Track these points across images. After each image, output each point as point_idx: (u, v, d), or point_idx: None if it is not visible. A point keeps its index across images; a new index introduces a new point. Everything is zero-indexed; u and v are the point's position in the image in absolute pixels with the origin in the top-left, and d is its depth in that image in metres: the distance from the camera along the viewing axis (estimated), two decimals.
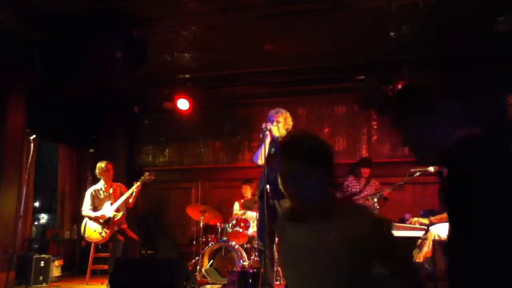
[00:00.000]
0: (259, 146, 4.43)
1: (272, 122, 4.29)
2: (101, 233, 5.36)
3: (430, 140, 1.46)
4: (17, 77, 5.44)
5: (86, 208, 5.52)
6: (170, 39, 5.34)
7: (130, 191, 5.55)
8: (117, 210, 5.45)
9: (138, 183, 5.59)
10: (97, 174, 5.68)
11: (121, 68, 4.96)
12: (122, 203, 5.51)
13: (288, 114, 4.40)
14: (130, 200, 5.59)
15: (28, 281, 5.03)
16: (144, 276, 3.88)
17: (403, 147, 1.58)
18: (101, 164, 5.66)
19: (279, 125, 4.29)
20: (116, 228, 5.46)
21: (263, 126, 4.21)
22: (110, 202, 5.50)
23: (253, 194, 6.01)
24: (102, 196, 5.59)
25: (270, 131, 4.16)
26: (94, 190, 5.64)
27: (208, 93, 6.83)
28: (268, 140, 4.14)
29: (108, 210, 5.43)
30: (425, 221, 4.34)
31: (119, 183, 5.78)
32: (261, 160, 4.17)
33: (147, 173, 5.70)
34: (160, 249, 6.74)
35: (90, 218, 5.45)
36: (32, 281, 5.08)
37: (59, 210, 7.04)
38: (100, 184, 5.66)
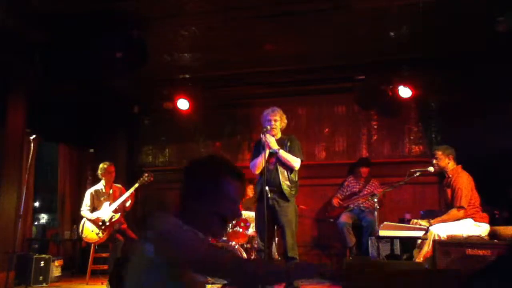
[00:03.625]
0: (255, 147, 4.40)
1: (268, 121, 4.27)
2: (98, 233, 5.36)
3: None
4: (17, 77, 5.44)
5: (85, 208, 5.52)
6: (170, 39, 5.34)
7: (129, 192, 5.54)
8: (115, 211, 5.45)
9: (136, 184, 5.58)
10: (99, 174, 5.68)
11: (121, 68, 4.97)
12: (120, 204, 5.51)
13: (282, 112, 4.38)
14: (127, 204, 5.57)
15: (28, 281, 5.02)
16: None
17: None
18: (103, 166, 5.66)
19: (276, 123, 4.28)
20: (116, 228, 5.46)
21: (266, 124, 4.21)
22: (108, 203, 5.50)
23: (254, 194, 6.01)
24: (101, 197, 5.59)
25: (268, 144, 4.13)
26: (94, 191, 5.64)
27: (208, 93, 6.82)
28: (267, 151, 4.12)
29: (106, 211, 5.43)
30: (425, 223, 4.31)
31: (119, 185, 5.78)
32: (258, 170, 4.16)
33: (146, 174, 5.67)
34: None
35: (88, 219, 5.46)
36: (32, 281, 5.07)
37: (59, 210, 7.04)
38: (100, 185, 5.66)
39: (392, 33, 5.13)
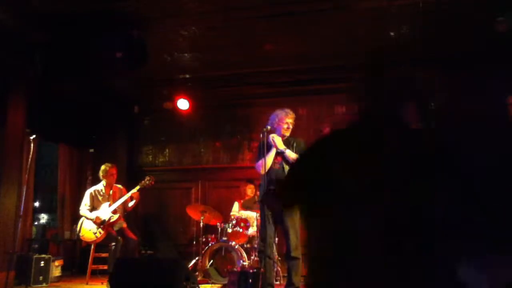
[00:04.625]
0: (258, 151, 4.37)
1: (280, 122, 4.24)
2: (96, 233, 5.35)
3: None
4: (17, 77, 5.44)
5: (84, 207, 5.53)
6: (170, 39, 5.34)
7: (129, 194, 5.54)
8: (114, 212, 5.44)
9: (138, 187, 5.57)
10: (100, 176, 5.68)
11: (121, 68, 4.97)
12: (120, 205, 5.50)
13: (294, 115, 4.37)
14: (130, 205, 5.58)
15: (28, 281, 5.02)
16: (144, 276, 3.88)
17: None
18: (105, 167, 5.66)
19: (290, 126, 4.26)
20: (117, 228, 5.46)
21: (266, 127, 4.19)
22: (108, 203, 5.50)
23: (254, 194, 6.01)
24: (101, 198, 5.59)
25: (275, 143, 4.12)
26: (94, 191, 5.64)
27: (208, 93, 6.83)
28: (272, 152, 4.11)
29: (105, 211, 5.43)
30: None
31: (119, 186, 5.78)
32: (263, 170, 4.12)
33: (147, 178, 5.65)
34: (160, 249, 6.74)
35: (87, 218, 5.46)
36: (32, 281, 5.07)
37: (59, 210, 7.04)
38: (101, 186, 5.67)
39: (392, 33, 5.13)
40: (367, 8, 4.64)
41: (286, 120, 4.26)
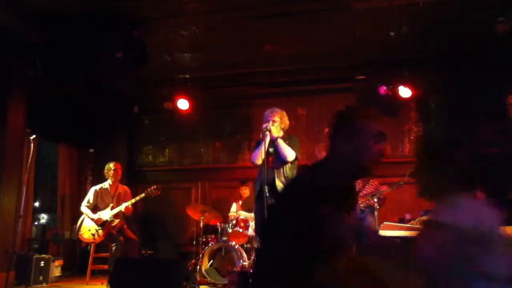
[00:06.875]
0: (255, 146, 4.43)
1: (268, 122, 4.30)
2: (94, 234, 5.33)
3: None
4: (17, 77, 5.44)
5: (85, 204, 5.51)
6: (170, 39, 5.34)
7: (133, 200, 5.52)
8: (116, 216, 5.43)
9: (143, 194, 5.53)
10: (105, 173, 5.70)
11: (121, 68, 4.97)
12: (123, 210, 5.49)
13: (284, 113, 4.40)
14: (129, 206, 5.57)
15: (28, 281, 5.02)
16: (144, 276, 3.89)
17: None
18: (109, 165, 5.69)
19: (275, 124, 4.30)
20: (117, 229, 5.45)
21: (263, 126, 4.22)
22: (111, 206, 5.48)
23: (251, 194, 6.01)
24: (106, 196, 5.59)
25: (270, 131, 4.17)
26: (100, 188, 5.63)
27: (208, 93, 6.83)
28: (267, 139, 4.15)
29: (107, 214, 5.42)
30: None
31: (125, 186, 5.77)
32: (259, 160, 4.18)
33: (154, 187, 5.61)
34: (160, 249, 6.74)
35: (87, 216, 5.45)
36: (32, 281, 5.07)
37: (59, 210, 7.04)
38: (107, 184, 5.67)
39: (392, 33, 5.13)
40: (367, 8, 4.64)
41: (269, 118, 4.32)
